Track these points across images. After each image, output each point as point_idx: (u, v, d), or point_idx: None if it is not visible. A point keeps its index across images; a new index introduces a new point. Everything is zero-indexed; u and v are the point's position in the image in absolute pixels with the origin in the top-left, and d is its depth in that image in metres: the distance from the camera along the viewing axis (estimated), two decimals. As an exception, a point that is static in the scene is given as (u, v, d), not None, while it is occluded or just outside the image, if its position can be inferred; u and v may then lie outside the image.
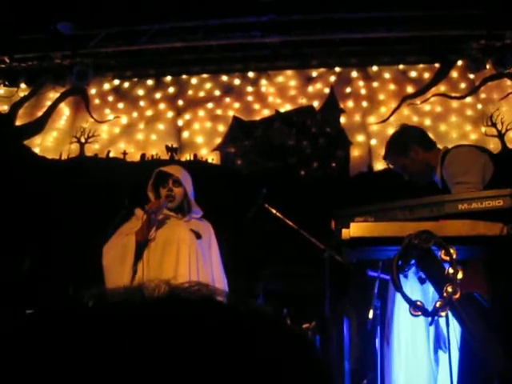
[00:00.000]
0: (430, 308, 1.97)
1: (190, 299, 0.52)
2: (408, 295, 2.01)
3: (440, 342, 2.52)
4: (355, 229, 2.16)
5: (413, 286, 2.58)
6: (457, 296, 1.95)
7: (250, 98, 6.88)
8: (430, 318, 2.05)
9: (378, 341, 3.87)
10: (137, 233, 3.68)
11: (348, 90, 6.77)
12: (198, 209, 3.93)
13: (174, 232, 3.76)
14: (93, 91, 7.13)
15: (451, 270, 1.98)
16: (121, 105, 7.08)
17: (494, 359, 1.92)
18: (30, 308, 4.08)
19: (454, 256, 1.99)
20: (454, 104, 6.57)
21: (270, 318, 0.55)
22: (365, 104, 6.69)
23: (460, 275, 1.97)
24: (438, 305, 1.95)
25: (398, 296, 2.14)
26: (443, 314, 1.95)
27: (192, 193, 3.89)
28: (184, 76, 7.08)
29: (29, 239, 5.71)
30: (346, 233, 2.17)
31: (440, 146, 3.55)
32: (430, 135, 6.38)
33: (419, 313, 1.95)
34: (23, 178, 6.28)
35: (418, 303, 1.95)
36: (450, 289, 1.96)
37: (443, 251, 2.00)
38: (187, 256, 3.68)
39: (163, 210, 3.81)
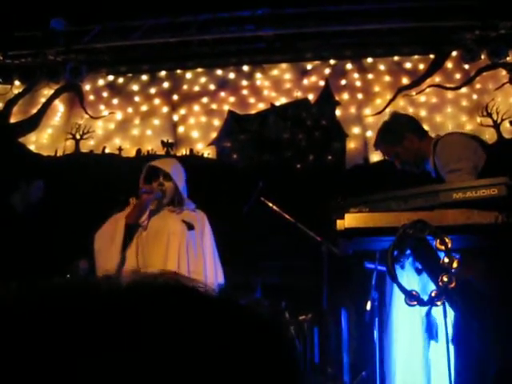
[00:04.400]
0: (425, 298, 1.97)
1: (154, 286, 0.52)
2: (404, 285, 2.01)
3: (432, 333, 2.52)
4: (350, 220, 2.15)
5: (410, 277, 2.58)
6: (452, 285, 1.95)
7: (244, 92, 6.86)
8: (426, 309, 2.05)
9: (376, 332, 3.88)
10: (127, 215, 3.66)
11: (343, 82, 6.75)
12: (190, 202, 3.90)
13: (165, 223, 3.73)
14: (87, 87, 7.10)
15: (446, 260, 1.98)
16: (115, 100, 7.05)
17: (489, 347, 1.92)
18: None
19: (449, 245, 1.98)
20: (449, 95, 6.56)
21: (245, 305, 0.54)
22: (360, 96, 6.67)
23: (455, 264, 1.97)
24: (433, 294, 1.95)
25: (395, 287, 2.14)
26: (439, 303, 1.94)
27: (184, 188, 3.86)
28: (178, 71, 7.05)
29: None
30: (341, 224, 2.17)
31: (432, 135, 3.53)
32: (426, 126, 6.39)
33: (415, 302, 1.95)
34: (19, 176, 6.25)
35: (414, 293, 1.95)
36: (445, 278, 1.96)
37: (438, 240, 1.99)
38: (177, 249, 3.63)
39: (156, 202, 3.78)
